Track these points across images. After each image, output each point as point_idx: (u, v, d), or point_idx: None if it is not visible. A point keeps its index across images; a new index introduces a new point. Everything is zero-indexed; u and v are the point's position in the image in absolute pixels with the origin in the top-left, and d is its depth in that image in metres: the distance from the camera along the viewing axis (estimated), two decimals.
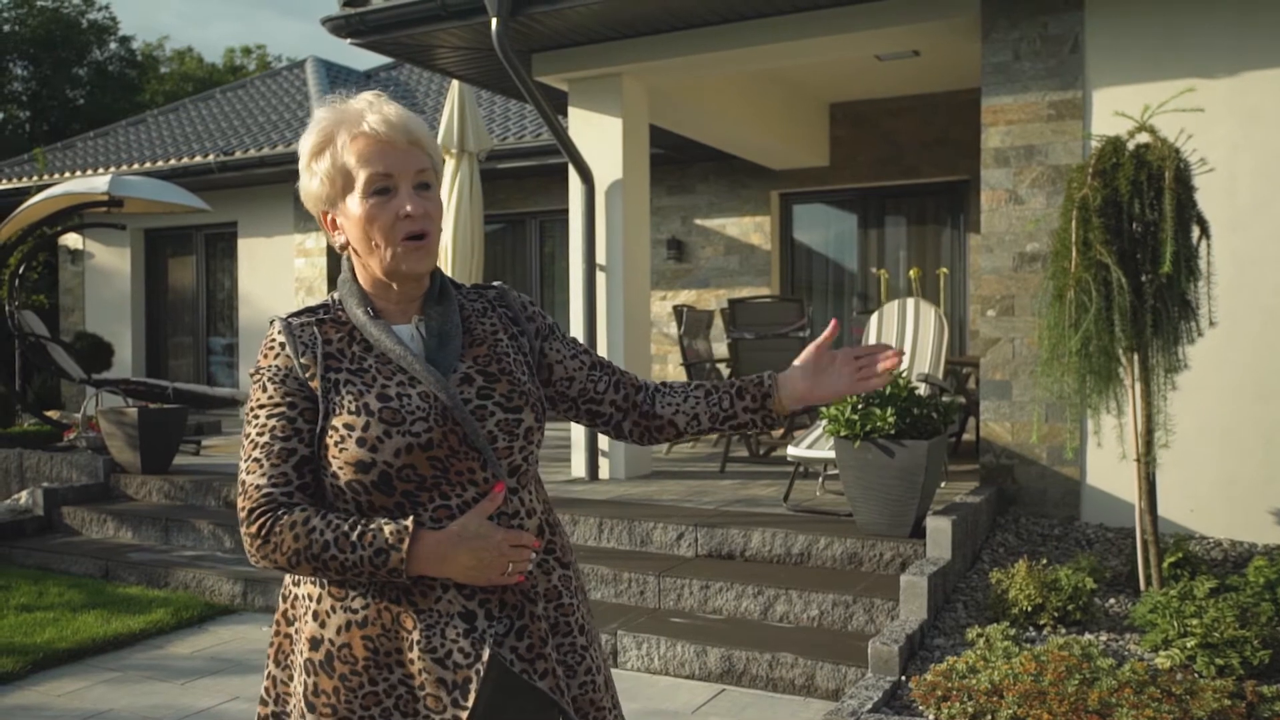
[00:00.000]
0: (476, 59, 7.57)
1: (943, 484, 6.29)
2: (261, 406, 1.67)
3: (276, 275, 12.71)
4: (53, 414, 10.81)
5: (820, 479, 6.51)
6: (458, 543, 1.61)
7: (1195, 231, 4.29)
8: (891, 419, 5.14)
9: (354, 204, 1.68)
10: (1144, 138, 4.34)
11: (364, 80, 14.93)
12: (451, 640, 1.63)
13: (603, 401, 1.91)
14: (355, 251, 1.73)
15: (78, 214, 9.99)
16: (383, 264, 1.69)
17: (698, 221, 10.89)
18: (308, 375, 1.66)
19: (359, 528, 1.58)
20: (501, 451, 1.69)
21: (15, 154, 17.66)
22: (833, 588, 4.89)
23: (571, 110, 7.51)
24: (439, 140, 8.60)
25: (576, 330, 7.32)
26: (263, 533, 1.60)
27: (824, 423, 5.59)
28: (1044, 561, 4.84)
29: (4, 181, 13.66)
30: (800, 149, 9.86)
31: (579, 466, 7.26)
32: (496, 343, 1.79)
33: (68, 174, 13.04)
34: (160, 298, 13.98)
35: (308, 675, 1.67)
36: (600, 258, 7.29)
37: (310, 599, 1.70)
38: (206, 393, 10.11)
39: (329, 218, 1.74)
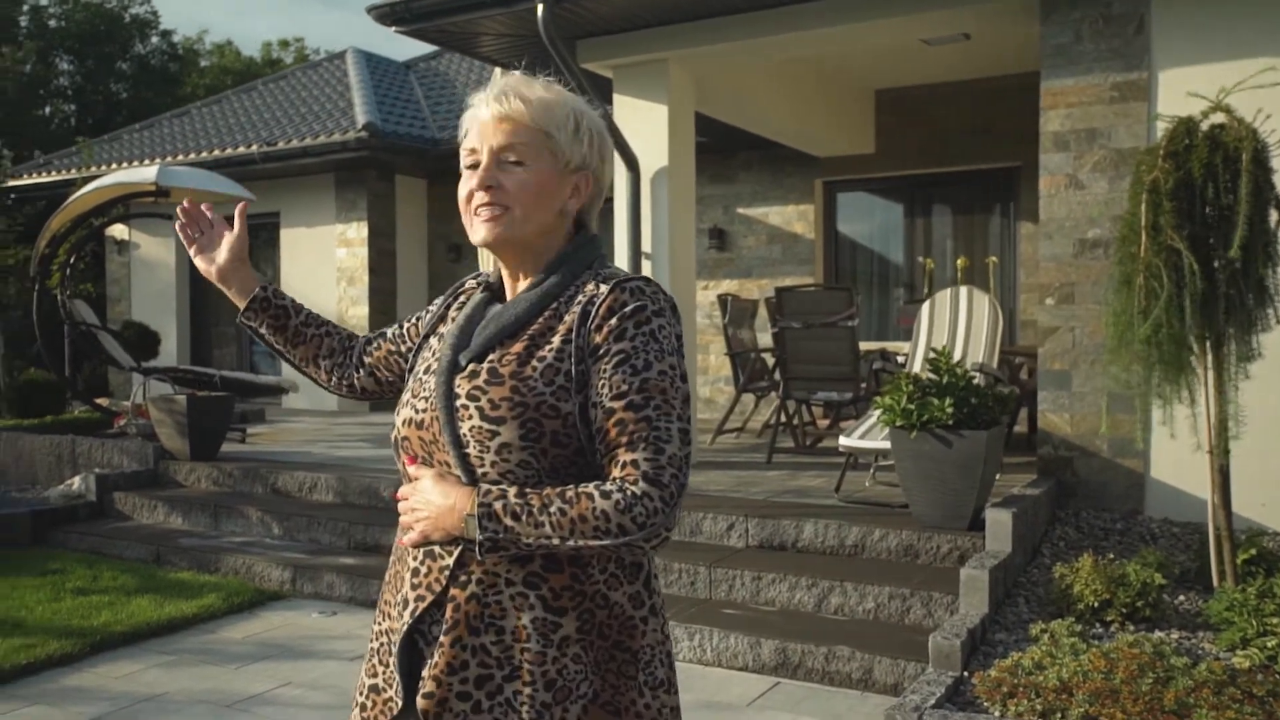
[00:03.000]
0: (520, 46, 7.52)
1: (996, 476, 6.18)
2: (411, 317, 1.96)
3: (318, 265, 12.75)
4: (102, 401, 10.91)
5: (871, 470, 6.42)
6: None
7: (1274, 215, 4.16)
8: (949, 409, 5.04)
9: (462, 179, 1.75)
10: (1219, 118, 4.21)
11: (403, 71, 14.94)
12: (398, 616, 1.68)
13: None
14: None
15: (124, 204, 10.06)
16: (469, 235, 1.75)
17: (740, 210, 10.80)
18: (420, 331, 1.89)
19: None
20: (473, 459, 1.58)
21: (62, 147, 17.85)
22: (889, 580, 4.81)
23: (616, 97, 7.45)
24: None
25: None
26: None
27: (877, 413, 5.50)
28: (1110, 556, 4.73)
29: (52, 174, 13.79)
30: (845, 136, 9.74)
31: None
32: (543, 344, 1.62)
33: (114, 165, 13.14)
34: (203, 287, 14.05)
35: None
36: (645, 246, 7.23)
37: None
38: (253, 380, 10.17)
39: None
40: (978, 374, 5.73)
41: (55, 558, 6.78)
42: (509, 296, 1.75)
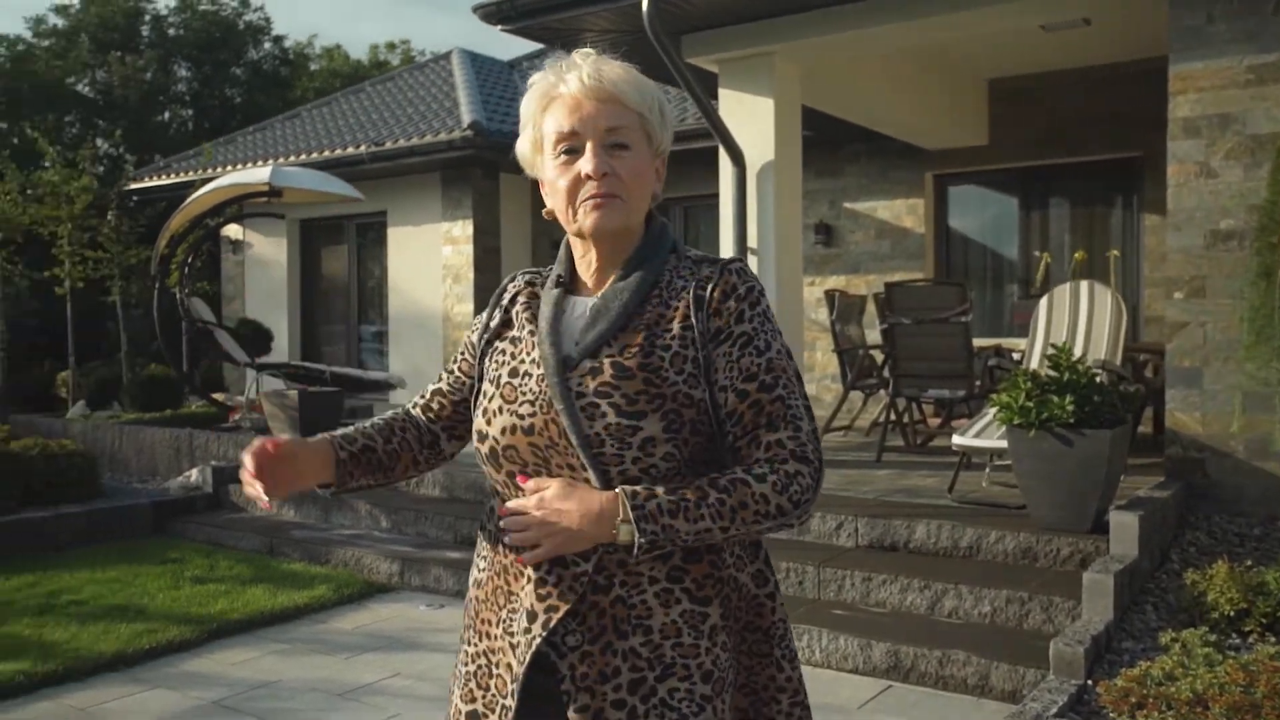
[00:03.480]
0: (625, 42, 7.48)
1: (1121, 478, 5.94)
2: (459, 352, 1.80)
3: (424, 263, 12.93)
4: (218, 396, 11.23)
5: (986, 469, 6.22)
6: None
7: None
8: (1070, 407, 4.85)
9: (548, 166, 1.62)
10: None
11: (507, 70, 15.08)
12: (519, 632, 1.58)
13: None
14: (558, 215, 1.66)
15: (239, 205, 10.34)
16: (570, 225, 1.63)
17: (847, 205, 10.61)
18: (486, 338, 1.72)
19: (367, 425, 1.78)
20: (609, 459, 1.51)
21: (180, 151, 18.47)
22: (1006, 583, 4.65)
23: (722, 92, 7.37)
24: None
25: None
26: None
27: (993, 410, 5.32)
28: (1247, 564, 4.49)
29: (171, 176, 14.26)
30: (956, 128, 9.50)
31: None
32: (662, 333, 1.57)
33: (229, 167, 13.52)
34: (314, 285, 14.40)
35: (465, 605, 1.76)
36: (751, 241, 7.14)
37: (476, 551, 1.76)
38: (361, 376, 10.37)
39: (541, 182, 1.69)
40: (1100, 371, 5.50)
41: (174, 547, 6.98)
42: (592, 288, 1.66)
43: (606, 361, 1.55)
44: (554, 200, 1.63)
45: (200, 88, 25.88)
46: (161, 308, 10.15)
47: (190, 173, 13.94)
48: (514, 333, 1.67)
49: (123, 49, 24.28)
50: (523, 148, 1.68)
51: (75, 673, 4.62)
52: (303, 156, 12.88)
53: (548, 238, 13.13)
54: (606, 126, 1.58)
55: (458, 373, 1.77)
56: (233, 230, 14.26)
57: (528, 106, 1.65)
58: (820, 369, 10.65)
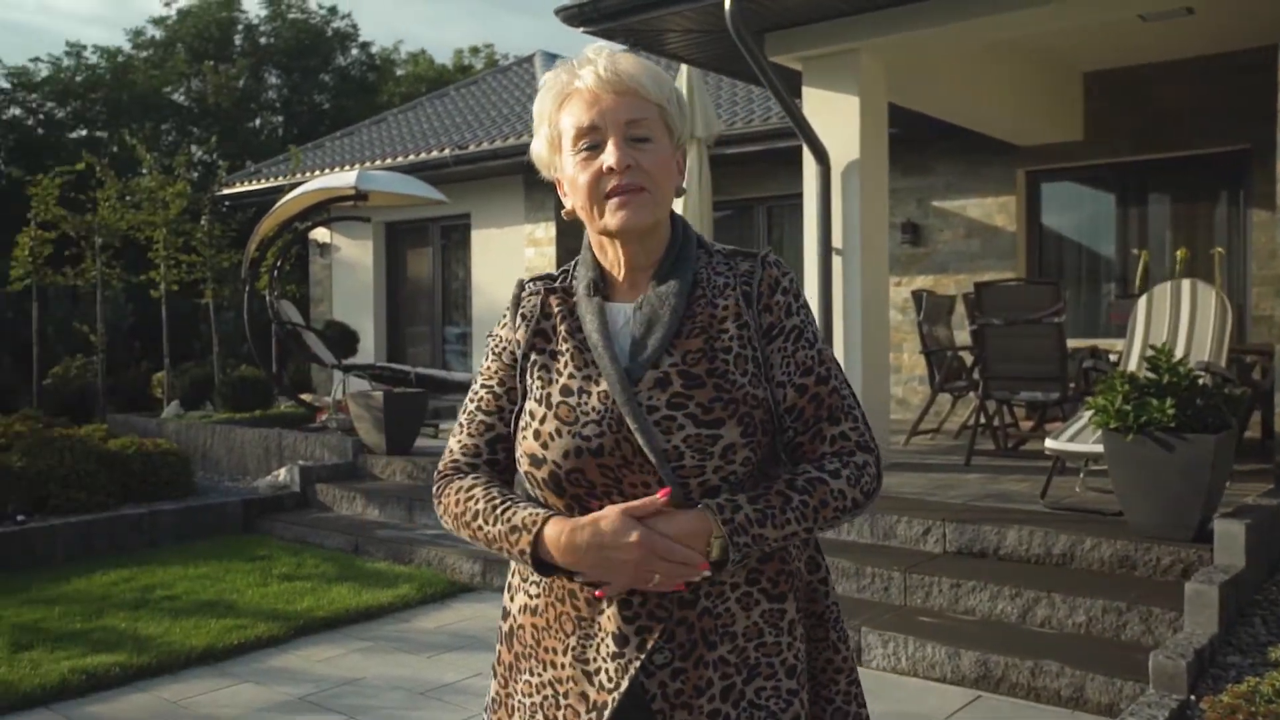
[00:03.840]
0: (707, 41, 7.44)
1: (1226, 485, 5.70)
2: (480, 374, 1.67)
3: (508, 265, 13.02)
4: (306, 397, 11.44)
5: (1081, 474, 6.03)
6: (580, 540, 1.45)
7: None
8: (1171, 410, 4.66)
9: (567, 163, 1.56)
10: None
11: None
12: (603, 658, 1.51)
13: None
14: (580, 214, 1.60)
15: (327, 209, 10.51)
16: (594, 224, 1.57)
17: (935, 203, 10.40)
18: (520, 352, 1.61)
19: (506, 503, 1.53)
20: (689, 470, 1.46)
21: (271, 156, 18.90)
22: (1101, 593, 4.49)
23: (806, 90, 7.26)
24: None
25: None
26: (437, 493, 1.64)
27: (1088, 414, 5.15)
28: None
29: (261, 181, 14.59)
30: (1050, 123, 9.23)
31: None
32: (719, 334, 1.52)
33: (317, 172, 13.79)
34: (399, 288, 14.60)
35: (498, 641, 1.69)
36: (836, 242, 7.02)
37: (510, 571, 1.68)
38: (445, 377, 10.46)
39: (559, 182, 1.63)
40: (1203, 373, 5.29)
41: (263, 544, 7.11)
42: (626, 292, 1.59)
43: (673, 371, 1.50)
44: (576, 198, 1.57)
45: (290, 94, 26.49)
46: (251, 310, 10.37)
47: (279, 178, 14.24)
48: (553, 346, 1.58)
49: (216, 58, 24.94)
50: (538, 148, 1.62)
51: (167, 666, 4.73)
52: (388, 160, 13.07)
53: None
54: (627, 119, 1.52)
55: (505, 402, 1.62)
56: (321, 234, 14.53)
57: (542, 105, 1.59)
58: (907, 370, 10.46)
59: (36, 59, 29.24)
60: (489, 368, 1.65)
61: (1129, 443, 4.76)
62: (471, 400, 1.66)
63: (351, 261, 14.68)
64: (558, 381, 1.54)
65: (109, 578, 6.17)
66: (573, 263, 1.66)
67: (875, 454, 1.57)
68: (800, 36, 7.09)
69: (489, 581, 6.03)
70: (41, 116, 23.07)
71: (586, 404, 1.50)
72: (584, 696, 1.52)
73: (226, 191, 14.41)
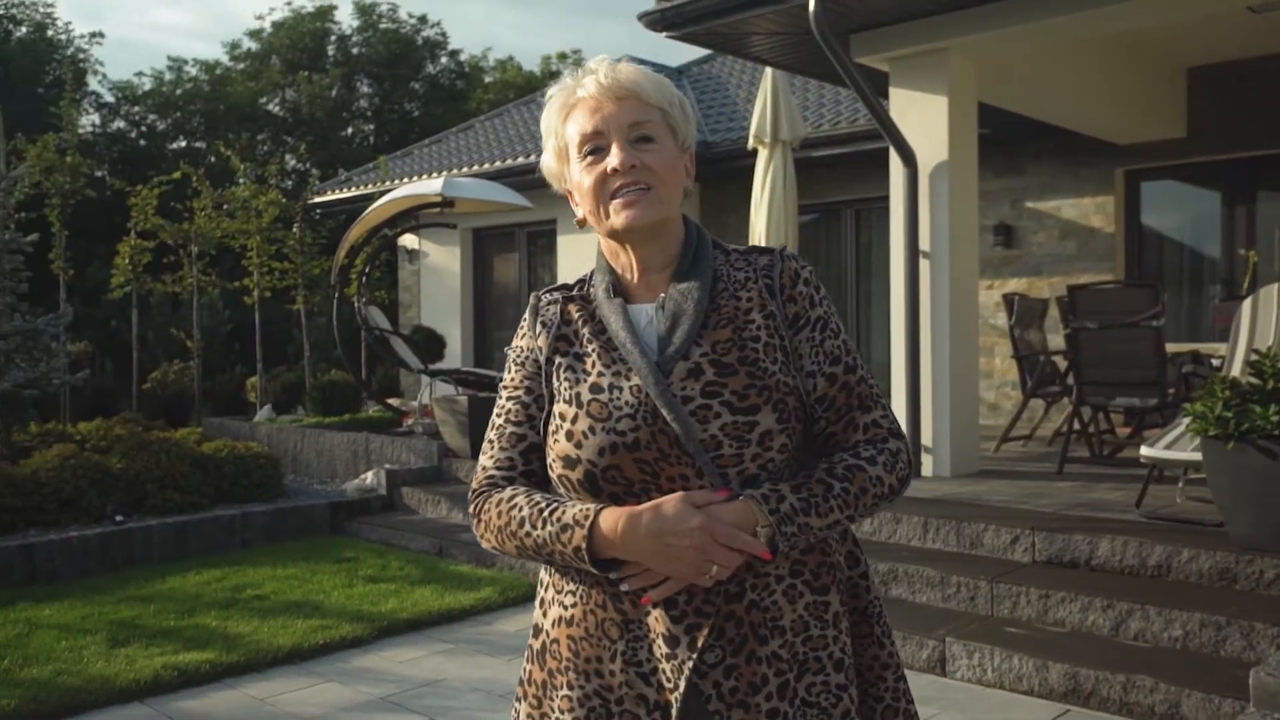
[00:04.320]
0: (791, 44, 7.37)
1: None
2: (505, 387, 1.66)
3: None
4: (394, 401, 11.63)
5: (1179, 483, 5.82)
6: (640, 525, 1.43)
7: None
8: (1275, 417, 4.46)
9: (575, 170, 1.60)
10: None
11: (676, 76, 15.11)
12: (658, 658, 1.50)
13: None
14: (589, 219, 1.61)
15: (415, 216, 10.67)
16: (602, 226, 1.59)
17: (1028, 204, 10.15)
18: (544, 357, 1.61)
19: (553, 504, 1.51)
20: (727, 459, 1.47)
21: (362, 164, 19.28)
22: (1199, 606, 4.32)
23: (893, 91, 7.15)
24: (752, 131, 8.47)
25: (898, 322, 6.94)
26: (476, 512, 1.61)
27: (1187, 420, 4.96)
28: None
29: (352, 189, 14.88)
30: (1151, 120, 8.94)
31: None
32: (746, 324, 1.54)
33: (405, 179, 14.01)
34: (486, 293, 14.75)
35: (526, 660, 1.65)
36: (924, 244, 6.89)
37: (541, 586, 1.66)
38: None
39: (569, 192, 1.66)
40: None
41: (350, 546, 7.23)
42: (642, 293, 1.61)
43: (704, 361, 1.51)
44: (584, 203, 1.59)
45: (381, 103, 27.03)
46: (341, 316, 10.58)
47: (368, 186, 14.50)
48: (576, 349, 1.59)
49: (310, 68, 25.58)
50: (547, 161, 1.65)
51: (255, 664, 4.83)
52: (475, 167, 13.22)
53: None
54: (629, 122, 1.56)
55: (534, 410, 1.61)
56: (409, 240, 14.76)
57: (548, 119, 1.63)
58: (999, 375, 10.23)
59: (140, 73, 30.31)
60: (512, 379, 1.65)
61: (1229, 451, 4.57)
62: (499, 415, 1.65)
63: (439, 267, 14.88)
64: (586, 380, 1.55)
65: (202, 577, 6.33)
66: (587, 273, 1.68)
67: (905, 440, 1.59)
68: (887, 37, 6.98)
69: None
70: (144, 129, 23.93)
71: (619, 399, 1.50)
72: (642, 699, 1.51)
73: (317, 199, 14.72)
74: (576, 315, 1.61)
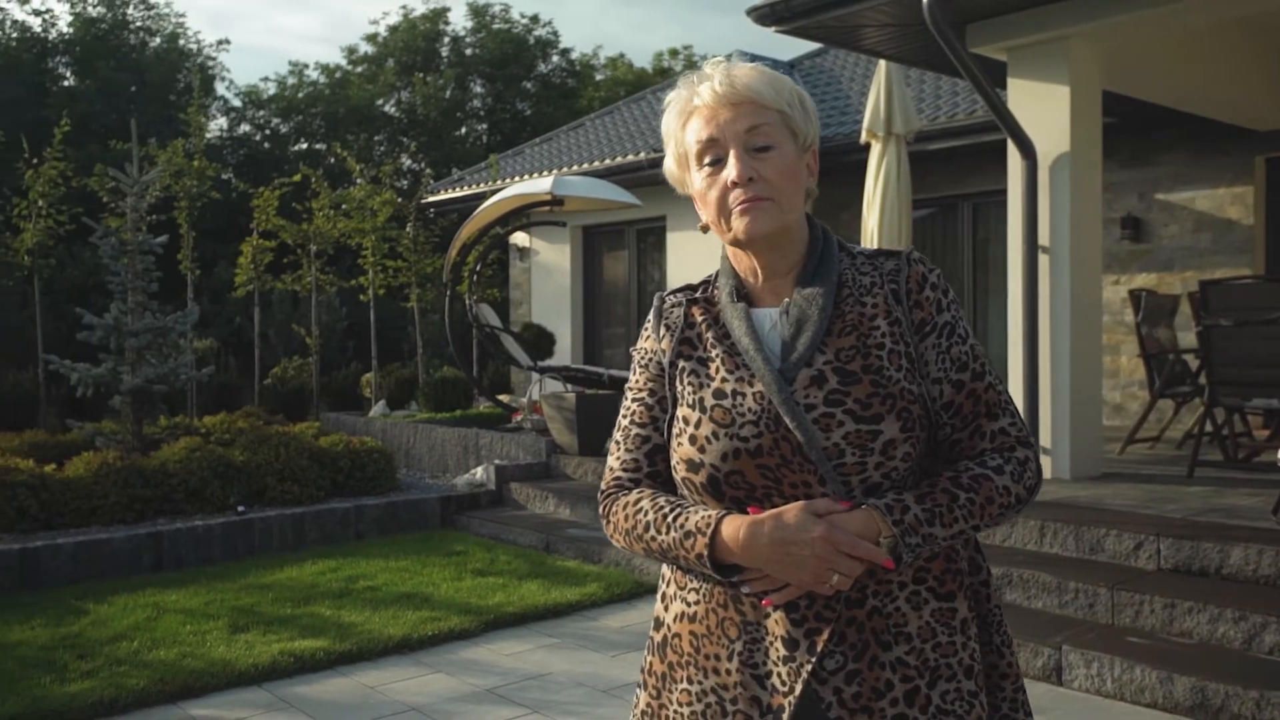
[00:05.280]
0: (905, 35, 7.20)
1: None
2: (630, 389, 1.68)
3: (703, 267, 12.73)
4: (504, 397, 11.77)
5: None
6: (762, 534, 1.43)
7: None
8: None
9: (696, 179, 1.60)
10: None
11: (788, 70, 14.95)
12: (774, 661, 1.50)
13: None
14: (712, 227, 1.62)
15: (525, 214, 10.77)
16: (725, 235, 1.59)
17: (1159, 196, 9.73)
18: (667, 360, 1.62)
19: (677, 510, 1.52)
20: (850, 468, 1.46)
21: (475, 163, 19.59)
22: None
23: (1011, 81, 6.93)
24: (865, 124, 8.32)
25: (1015, 319, 6.72)
26: (604, 513, 1.63)
27: None
28: None
29: (464, 188, 15.11)
30: None
31: None
32: (870, 331, 1.53)
33: (516, 178, 14.17)
34: (595, 290, 14.83)
35: (648, 652, 1.67)
36: (1043, 239, 6.66)
37: (663, 580, 1.67)
38: None
39: (693, 197, 1.65)
40: None
41: (459, 540, 7.33)
42: (765, 298, 1.60)
43: (827, 369, 1.50)
44: (706, 212, 1.60)
45: (494, 102, 27.45)
46: (453, 313, 10.74)
47: (480, 185, 14.70)
48: (700, 353, 1.60)
49: (424, 70, 26.09)
50: (669, 166, 1.65)
51: (367, 653, 4.92)
52: (585, 165, 13.29)
53: None
54: (746, 129, 1.54)
55: (658, 412, 1.62)
56: (520, 238, 14.92)
57: (668, 125, 1.63)
58: (1126, 374, 9.84)
59: (265, 78, 31.36)
60: (637, 381, 1.67)
61: None
62: (625, 416, 1.67)
63: (550, 265, 15.01)
64: (710, 385, 1.55)
65: (317, 567, 6.49)
66: (712, 275, 1.68)
67: (1034, 449, 1.56)
68: (1004, 26, 6.77)
69: None
70: (268, 132, 24.74)
71: (742, 405, 1.51)
72: (755, 701, 1.51)
73: (431, 199, 14.99)
74: (700, 319, 1.62)
